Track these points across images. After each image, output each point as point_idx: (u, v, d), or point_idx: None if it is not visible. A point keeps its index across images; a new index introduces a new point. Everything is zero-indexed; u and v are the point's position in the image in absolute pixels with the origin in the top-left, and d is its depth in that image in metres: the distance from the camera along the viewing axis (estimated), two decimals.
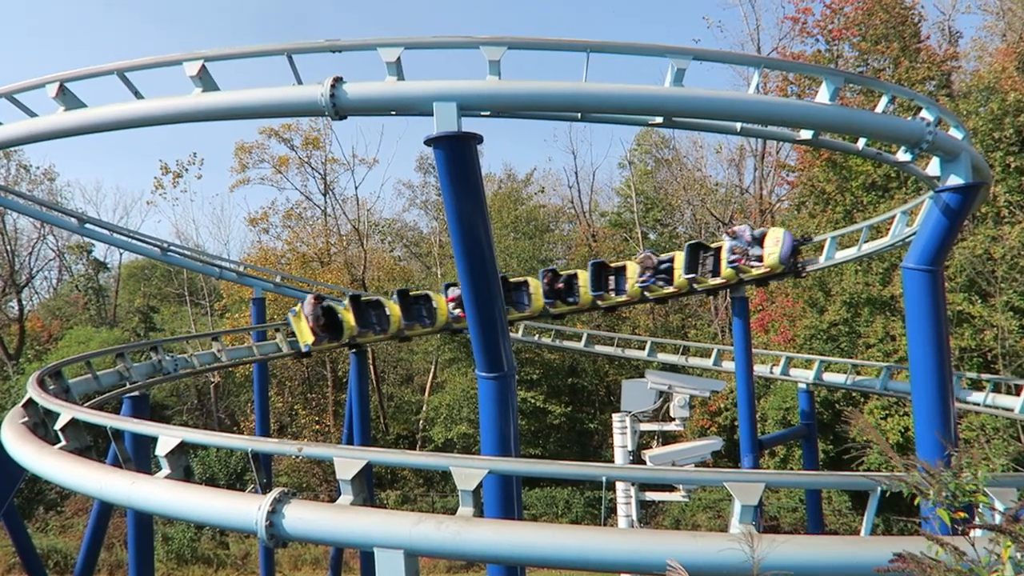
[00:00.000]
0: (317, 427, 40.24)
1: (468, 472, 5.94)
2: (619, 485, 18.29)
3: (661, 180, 50.15)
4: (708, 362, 23.93)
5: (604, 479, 6.06)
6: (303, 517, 5.61)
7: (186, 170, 48.64)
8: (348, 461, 6.10)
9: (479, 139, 9.03)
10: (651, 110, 9.60)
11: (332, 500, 6.16)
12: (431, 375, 42.09)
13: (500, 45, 9.01)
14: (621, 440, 18.80)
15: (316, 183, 47.33)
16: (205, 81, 9.74)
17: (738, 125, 10.99)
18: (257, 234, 48.99)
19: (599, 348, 27.31)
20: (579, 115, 10.79)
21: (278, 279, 30.48)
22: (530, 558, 5.41)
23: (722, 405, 33.40)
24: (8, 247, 53.46)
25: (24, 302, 56.68)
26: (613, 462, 20.11)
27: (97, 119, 10.12)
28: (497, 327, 9.60)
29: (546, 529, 5.39)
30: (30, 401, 9.43)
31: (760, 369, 24.09)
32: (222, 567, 31.48)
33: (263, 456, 7.04)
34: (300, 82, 9.65)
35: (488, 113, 10.27)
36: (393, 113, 10.01)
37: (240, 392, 44.63)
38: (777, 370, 23.29)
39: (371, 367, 37.37)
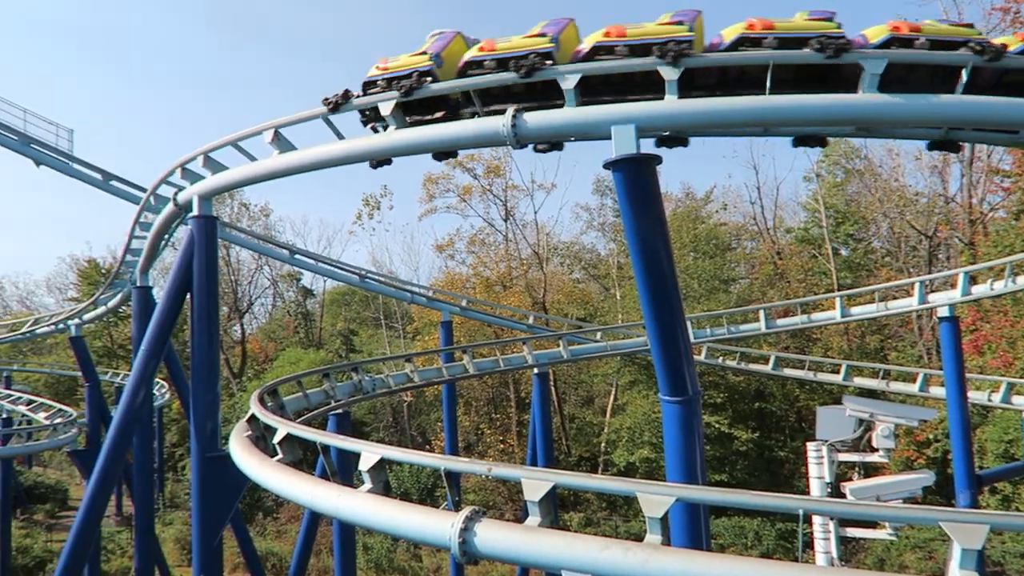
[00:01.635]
0: (502, 446, 41.19)
1: (655, 499, 5.80)
2: (816, 519, 17.09)
3: (852, 192, 46.85)
4: (913, 387, 21.91)
5: (801, 512, 5.68)
6: (494, 536, 5.73)
7: (379, 202, 52.11)
8: (536, 483, 6.17)
9: (658, 160, 8.90)
10: (847, 120, 8.98)
11: (517, 519, 6.25)
12: (612, 397, 41.79)
13: (677, 67, 8.85)
14: (817, 471, 17.58)
15: (497, 209, 48.95)
16: (397, 119, 10.40)
17: (943, 129, 10.04)
18: (444, 260, 51.39)
19: (788, 372, 25.84)
20: (763, 130, 10.36)
21: (464, 303, 31.72)
22: None
23: (931, 435, 30.35)
24: (232, 277, 59.82)
25: (245, 326, 63.08)
26: (807, 493, 18.85)
27: (306, 160, 11.07)
28: (680, 350, 9.35)
29: (741, 563, 5.13)
30: (252, 417, 10.40)
31: (976, 396, 21.70)
32: None
33: (454, 474, 7.29)
34: None
35: (668, 133, 10.10)
36: (572, 139, 10.15)
37: (431, 411, 46.65)
38: (996, 397, 20.85)
39: (552, 388, 37.77)
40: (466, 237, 49.60)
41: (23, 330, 36.83)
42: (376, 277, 32.39)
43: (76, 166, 22.92)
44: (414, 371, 19.24)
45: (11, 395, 38.03)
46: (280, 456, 8.92)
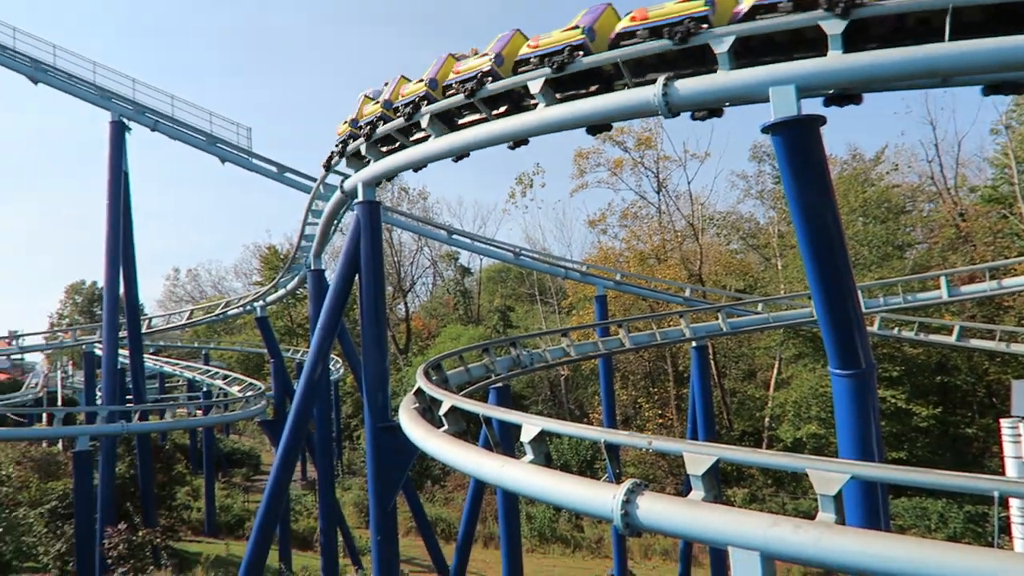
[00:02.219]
0: (660, 420, 40.72)
1: (828, 476, 5.52)
2: (1014, 502, 15.60)
3: None
4: None
5: (997, 494, 5.19)
6: (656, 509, 5.69)
7: (532, 180, 52.62)
8: (698, 457, 6.06)
9: (822, 121, 8.35)
10: None
11: (679, 493, 6.17)
12: (774, 371, 40.08)
13: (845, 18, 8.21)
14: (1014, 450, 16.00)
15: (649, 182, 48.02)
16: (547, 96, 10.42)
17: None
18: (596, 235, 51.19)
19: (976, 343, 23.64)
20: (940, 80, 9.43)
21: (618, 277, 31.49)
22: (903, 574, 4.84)
23: None
24: (395, 258, 62.74)
25: (408, 304, 66.06)
26: (1002, 474, 17.21)
27: (460, 143, 11.34)
28: (852, 320, 8.79)
29: (931, 547, 4.76)
30: (419, 390, 10.91)
31: None
32: (578, 548, 33.33)
33: (614, 446, 7.29)
34: None
35: (833, 92, 9.43)
36: (726, 104, 9.72)
37: (587, 384, 46.85)
38: None
39: (711, 362, 36.74)
40: (618, 211, 49.13)
41: (216, 312, 40.61)
42: (530, 254, 32.83)
43: (255, 161, 24.88)
44: (570, 345, 19.38)
45: (209, 370, 42.22)
46: (445, 427, 9.31)
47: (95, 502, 22.22)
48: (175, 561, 23.80)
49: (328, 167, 16.69)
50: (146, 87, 24.95)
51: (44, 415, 36.86)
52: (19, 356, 50.37)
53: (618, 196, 64.06)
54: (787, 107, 8.11)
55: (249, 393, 29.76)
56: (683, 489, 25.66)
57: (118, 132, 24.73)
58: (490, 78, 10.92)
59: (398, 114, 12.64)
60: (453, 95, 11.52)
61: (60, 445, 32.57)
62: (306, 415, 17.06)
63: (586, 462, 36.69)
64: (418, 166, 12.96)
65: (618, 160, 47.47)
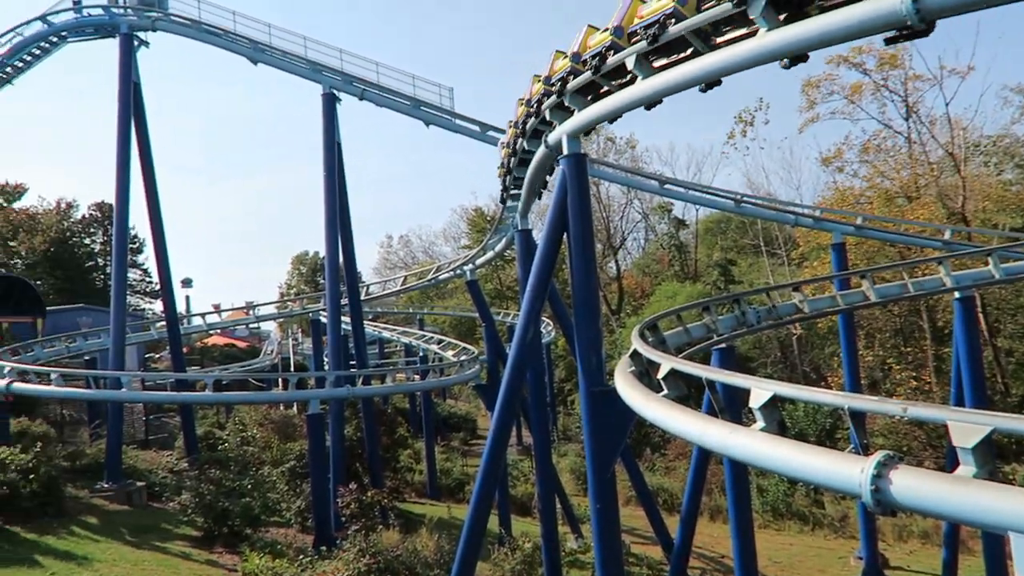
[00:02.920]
0: (915, 384, 37.61)
1: None
2: None
3: None
4: None
5: None
6: (914, 485, 5.25)
7: (754, 118, 50.04)
8: (967, 427, 5.49)
9: None
10: None
11: (939, 468, 5.63)
12: None
13: None
14: None
15: (896, 107, 43.72)
16: (769, 19, 9.76)
17: None
18: (831, 174, 47.82)
19: None
20: None
21: (859, 221, 29.25)
22: None
23: None
24: (603, 214, 62.86)
25: (620, 262, 66.09)
26: None
27: (671, 82, 10.97)
28: None
29: None
30: (635, 352, 10.90)
31: None
32: (818, 526, 31.95)
33: (859, 414, 6.83)
34: None
35: None
36: (988, 5, 8.53)
37: (824, 344, 44.42)
38: None
39: (980, 316, 33.17)
40: (857, 145, 45.35)
41: (428, 277, 43.27)
42: (753, 200, 31.45)
43: (458, 121, 25.93)
44: (803, 301, 18.40)
45: (424, 335, 45.15)
46: (665, 392, 9.23)
47: (328, 462, 24.78)
48: (401, 521, 25.97)
49: (524, 132, 17.16)
50: (352, 56, 26.76)
51: (280, 380, 41.56)
52: (255, 325, 56.89)
53: (856, 127, 59.36)
54: None
55: (463, 357, 31.46)
56: (946, 464, 23.56)
57: (330, 104, 26.83)
58: (673, 20, 10.46)
59: (587, 66, 12.68)
60: (637, 42, 11.23)
61: (295, 408, 36.58)
62: (519, 379, 17.69)
63: (825, 431, 34.88)
64: (624, 112, 12.77)
65: (856, 85, 43.64)
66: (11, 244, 65.97)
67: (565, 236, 14.47)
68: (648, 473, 35.18)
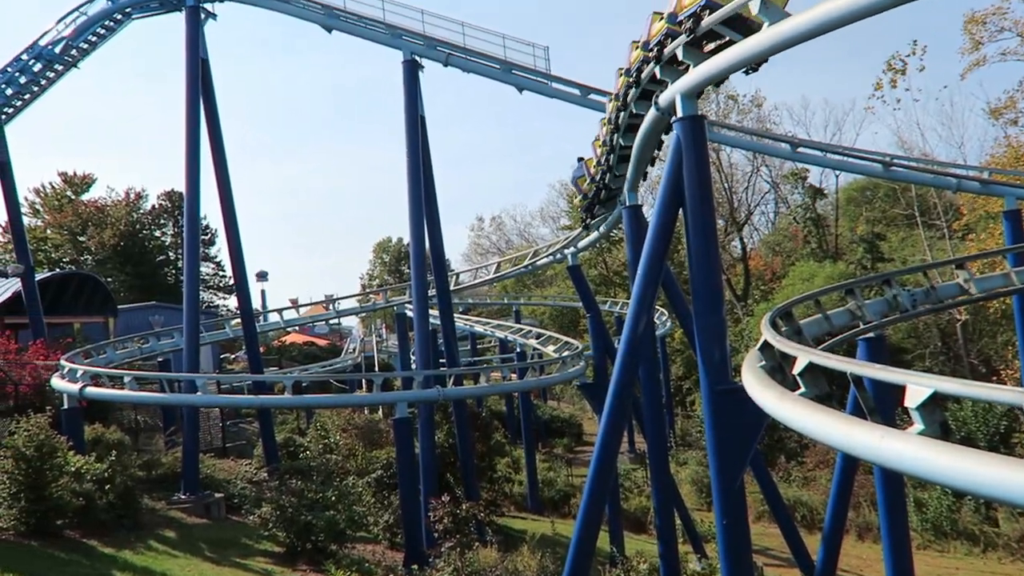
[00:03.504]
0: None
1: None
2: None
3: None
4: None
5: None
6: None
7: (906, 64, 47.85)
8: None
9: None
10: None
11: None
12: None
13: None
14: None
15: None
16: None
17: None
18: (1001, 128, 45.29)
19: None
20: None
21: None
22: None
23: None
24: (725, 184, 61.63)
25: (745, 240, 64.73)
26: None
27: (808, 25, 10.59)
28: None
29: None
30: (765, 344, 10.65)
31: None
32: (990, 547, 30.63)
33: None
34: None
35: None
36: None
37: (996, 332, 42.44)
38: None
39: None
40: None
41: (524, 263, 43.52)
42: (905, 163, 30.21)
43: (555, 85, 25.84)
44: (968, 280, 17.57)
45: (521, 329, 45.49)
46: (802, 389, 8.98)
47: (417, 472, 25.33)
48: (499, 538, 26.26)
49: (626, 103, 17.08)
50: (435, 17, 26.96)
51: (363, 381, 42.72)
52: (336, 321, 58.71)
53: None
54: None
55: (566, 353, 31.51)
56: None
57: (411, 72, 27.20)
58: None
59: (683, 27, 12.89)
60: None
61: (380, 412, 37.53)
62: (630, 377, 17.59)
63: (999, 435, 33.29)
64: (751, 64, 12.45)
65: None
66: (80, 239, 70.11)
67: (681, 211, 14.28)
68: (783, 484, 34.46)
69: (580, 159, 24.67)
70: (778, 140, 32.26)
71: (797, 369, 9.17)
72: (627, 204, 21.33)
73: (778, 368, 10.24)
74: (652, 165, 20.02)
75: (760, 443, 20.34)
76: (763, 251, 67.44)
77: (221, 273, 76.96)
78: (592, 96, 25.12)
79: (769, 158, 57.98)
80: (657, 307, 44.07)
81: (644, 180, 21.39)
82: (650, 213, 16.98)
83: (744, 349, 42.89)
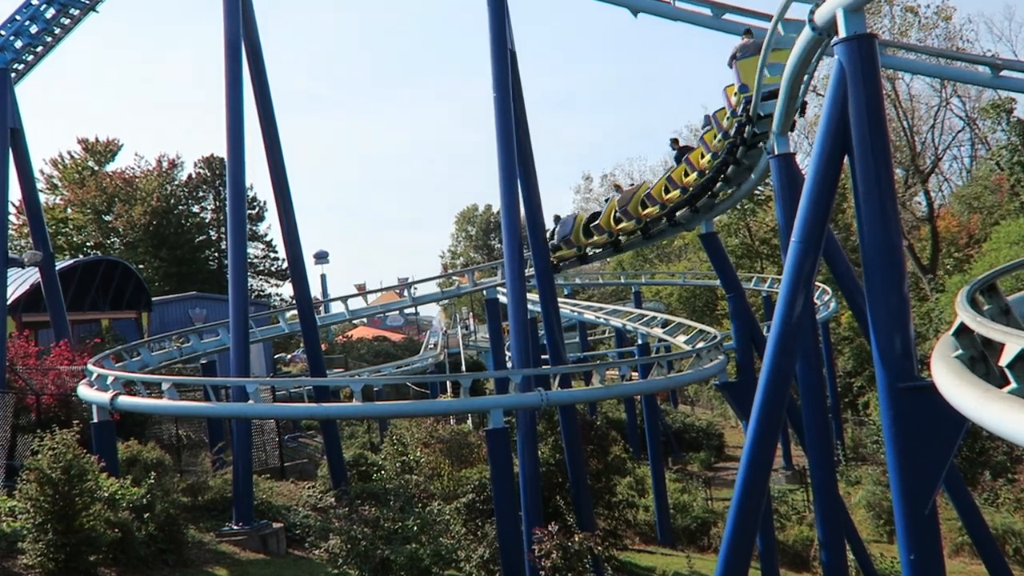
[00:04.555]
0: None
1: None
2: None
3: None
4: None
5: None
6: None
7: None
8: None
9: None
10: None
11: None
12: None
13: None
14: None
15: None
16: None
17: None
18: None
19: None
20: None
21: None
22: None
23: None
24: (903, 123, 59.77)
25: (932, 195, 62.79)
26: None
27: None
28: None
29: None
30: (962, 328, 10.32)
31: None
32: None
33: None
34: None
35: None
36: None
37: None
38: None
39: None
40: None
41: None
42: None
43: (679, 4, 25.48)
44: None
45: (643, 315, 45.18)
46: (1012, 386, 8.70)
47: (517, 495, 25.46)
48: None
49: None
50: None
51: (448, 384, 43.26)
52: (412, 310, 59.38)
53: None
54: None
55: (700, 344, 31.18)
56: None
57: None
58: None
59: None
60: None
61: (469, 422, 37.89)
62: (784, 373, 17.27)
63: None
64: None
65: None
66: (106, 218, 72.69)
67: (846, 159, 13.94)
68: (988, 509, 33.43)
69: (674, 141, 25.98)
70: (974, 62, 31.04)
71: (1005, 360, 8.86)
72: (776, 152, 20.91)
73: (979, 359, 9.94)
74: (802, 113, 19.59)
75: (956, 455, 19.77)
76: (956, 208, 65.29)
77: (273, 255, 78.94)
78: (727, 16, 24.70)
79: (962, 87, 56.09)
80: (817, 283, 43.17)
81: (801, 115, 20.98)
82: (806, 163, 16.63)
83: (933, 335, 41.76)
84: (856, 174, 13.61)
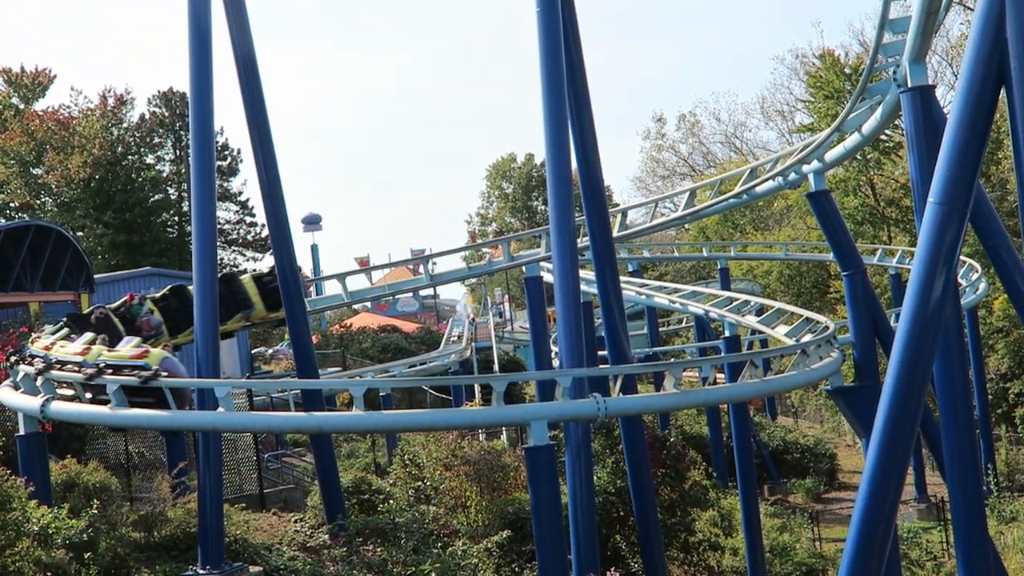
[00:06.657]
0: None
1: None
2: None
3: None
4: None
5: None
6: None
7: None
8: None
9: None
10: None
11: None
12: None
13: None
14: None
15: None
16: None
17: None
18: None
19: None
20: None
21: None
22: None
23: None
24: None
25: None
26: None
27: None
28: None
29: None
30: None
31: None
32: None
33: None
34: None
35: None
36: None
37: None
38: None
39: None
40: None
41: (736, 190, 42.59)
42: None
43: None
44: None
45: (731, 299, 44.77)
46: None
47: (566, 532, 25.39)
48: None
49: None
50: None
51: (476, 388, 43.19)
52: (430, 291, 59.27)
53: None
54: None
55: (807, 338, 30.94)
56: None
57: None
58: None
59: None
60: None
61: (504, 437, 37.82)
62: (918, 376, 17.11)
63: None
64: None
65: None
66: (35, 171, 72.41)
67: (1003, 92, 13.77)
68: None
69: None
70: None
71: None
72: (909, 84, 20.66)
73: None
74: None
75: None
76: None
77: (249, 219, 78.92)
78: None
79: None
80: (963, 258, 42.72)
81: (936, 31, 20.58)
82: (949, 99, 16.40)
83: None
84: (1015, 112, 13.44)
